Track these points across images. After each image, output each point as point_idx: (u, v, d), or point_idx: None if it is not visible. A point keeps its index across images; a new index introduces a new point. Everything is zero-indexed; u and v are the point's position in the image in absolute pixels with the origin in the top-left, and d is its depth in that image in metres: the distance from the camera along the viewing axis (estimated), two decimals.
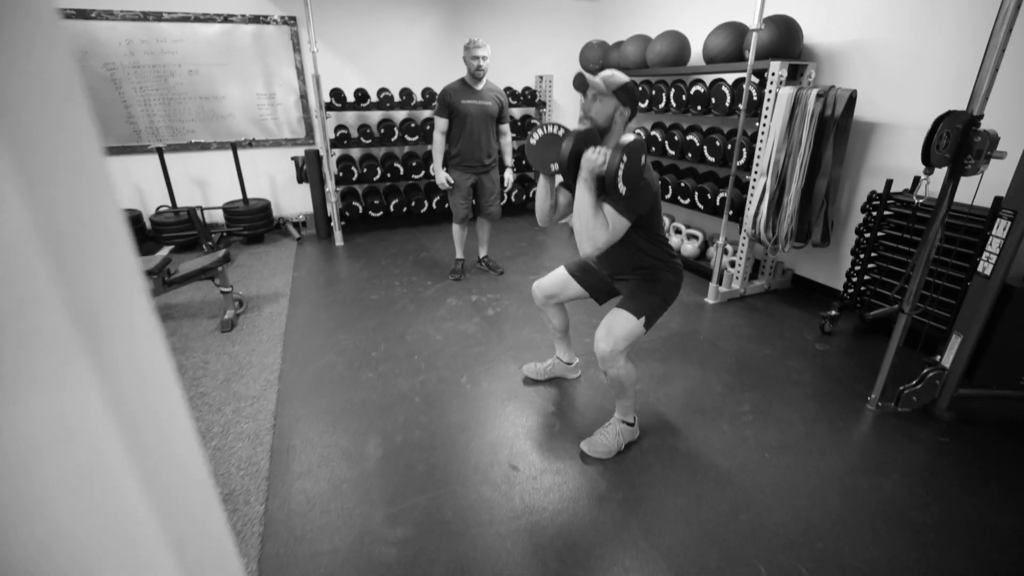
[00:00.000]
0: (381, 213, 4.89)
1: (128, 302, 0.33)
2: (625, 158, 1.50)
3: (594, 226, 1.62)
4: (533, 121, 5.31)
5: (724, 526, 1.63)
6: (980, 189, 1.93)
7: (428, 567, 1.49)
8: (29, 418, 0.28)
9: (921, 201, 1.73)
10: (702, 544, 1.56)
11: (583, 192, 1.61)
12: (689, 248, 3.95)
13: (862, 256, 2.75)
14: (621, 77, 1.68)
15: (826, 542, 1.57)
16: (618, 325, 1.76)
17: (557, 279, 2.10)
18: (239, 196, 4.64)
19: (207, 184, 4.72)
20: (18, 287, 0.26)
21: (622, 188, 1.53)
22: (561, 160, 1.64)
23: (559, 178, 1.80)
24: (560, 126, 1.76)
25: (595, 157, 1.55)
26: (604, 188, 1.57)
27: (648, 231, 1.77)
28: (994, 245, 1.88)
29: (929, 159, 1.75)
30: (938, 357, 2.14)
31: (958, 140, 1.69)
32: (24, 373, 0.27)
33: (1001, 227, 1.85)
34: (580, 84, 1.73)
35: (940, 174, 1.87)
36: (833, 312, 2.88)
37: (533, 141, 1.78)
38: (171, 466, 0.37)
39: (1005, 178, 1.86)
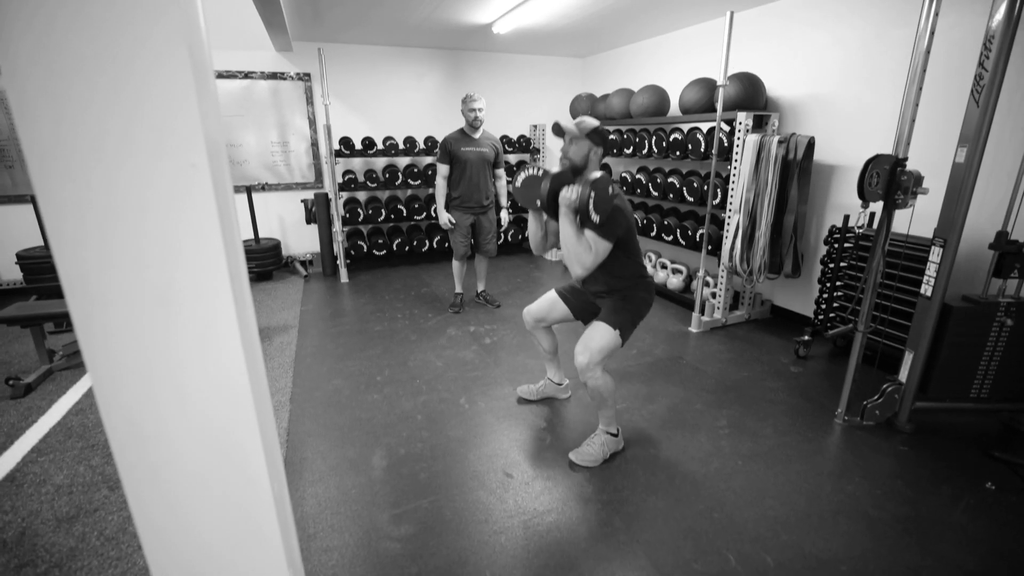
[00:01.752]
0: (384, 252, 5.17)
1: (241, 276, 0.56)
2: (593, 192, 1.77)
3: (579, 250, 1.87)
4: (524, 162, 5.67)
5: (698, 523, 1.79)
6: (914, 221, 2.19)
7: (429, 559, 1.65)
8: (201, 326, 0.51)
9: (861, 231, 1.98)
10: (678, 538, 1.73)
11: (565, 224, 1.88)
12: (675, 282, 4.20)
13: (828, 284, 3.00)
14: (591, 122, 1.98)
15: (791, 535, 1.74)
16: (595, 337, 1.99)
17: (545, 301, 2.33)
18: (251, 236, 4.92)
19: None
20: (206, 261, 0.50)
21: (595, 216, 1.80)
22: (541, 200, 1.93)
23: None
24: (540, 167, 2.05)
25: (569, 195, 1.83)
26: (583, 219, 1.83)
27: (626, 252, 2.02)
28: (932, 269, 2.13)
29: (864, 195, 2.02)
30: None
31: (887, 179, 1.97)
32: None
33: (936, 253, 2.11)
34: (558, 130, 2.02)
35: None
36: (806, 337, 3.10)
37: (518, 183, 2.09)
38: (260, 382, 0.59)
39: (935, 210, 2.13)
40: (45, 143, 0.44)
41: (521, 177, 2.08)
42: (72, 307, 0.48)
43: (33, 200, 4.01)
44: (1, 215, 4.35)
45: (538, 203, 2.01)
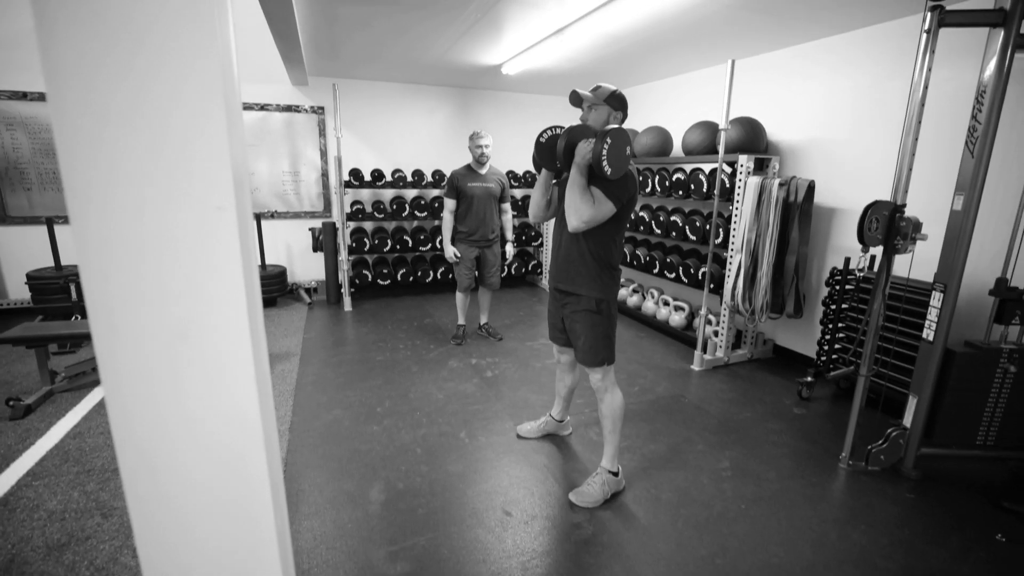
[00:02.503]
0: (389, 282, 5.21)
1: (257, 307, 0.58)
2: (609, 140, 1.74)
3: (581, 201, 1.86)
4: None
5: (701, 569, 1.75)
6: (914, 265, 2.22)
7: None
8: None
9: (862, 273, 2.00)
10: None
11: (575, 174, 1.89)
12: (677, 319, 4.21)
13: (830, 326, 3.00)
14: (609, 87, 1.98)
15: None
16: (601, 376, 2.06)
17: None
18: (258, 262, 4.98)
19: None
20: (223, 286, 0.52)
21: (607, 168, 1.76)
22: (558, 152, 1.91)
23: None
24: (564, 128, 2.01)
25: (585, 146, 1.85)
26: (595, 174, 1.81)
27: (615, 228, 1.99)
28: (933, 314, 2.14)
29: (864, 240, 2.06)
30: None
31: (887, 225, 2.00)
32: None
33: (936, 298, 2.12)
34: (575, 99, 2.00)
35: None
36: (809, 378, 3.08)
37: (542, 140, 2.05)
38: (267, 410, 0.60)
39: (935, 255, 2.16)
40: (84, 181, 0.47)
41: (546, 135, 2.02)
42: (96, 335, 0.50)
43: (47, 222, 4.08)
44: (17, 235, 4.43)
45: (557, 164, 1.97)
